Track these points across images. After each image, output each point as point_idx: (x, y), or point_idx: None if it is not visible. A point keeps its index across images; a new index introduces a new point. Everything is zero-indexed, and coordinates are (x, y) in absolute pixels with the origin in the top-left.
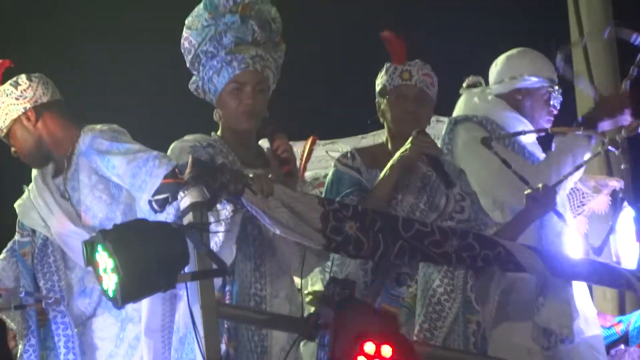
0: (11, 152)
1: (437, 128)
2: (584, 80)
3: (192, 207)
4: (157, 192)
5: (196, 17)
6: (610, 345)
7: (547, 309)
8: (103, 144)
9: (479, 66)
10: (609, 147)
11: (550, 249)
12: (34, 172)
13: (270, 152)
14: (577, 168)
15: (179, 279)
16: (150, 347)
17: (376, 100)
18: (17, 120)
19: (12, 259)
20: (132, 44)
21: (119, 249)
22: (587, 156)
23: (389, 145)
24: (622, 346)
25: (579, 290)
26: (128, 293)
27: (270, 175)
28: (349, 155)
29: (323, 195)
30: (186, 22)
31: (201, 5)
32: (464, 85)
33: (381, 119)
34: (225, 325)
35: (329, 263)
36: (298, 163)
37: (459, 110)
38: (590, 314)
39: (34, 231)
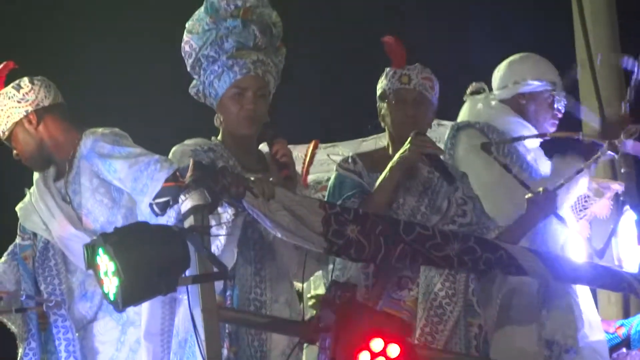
0: (13, 155)
1: (439, 132)
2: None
3: (193, 210)
4: (158, 196)
5: (197, 21)
6: (612, 349)
7: (551, 321)
8: (105, 147)
9: (482, 70)
10: (609, 152)
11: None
12: (36, 175)
13: (269, 156)
14: (577, 172)
15: (180, 282)
16: (150, 350)
17: (377, 104)
18: (18, 123)
19: (13, 262)
20: (133, 46)
21: (120, 252)
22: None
23: (390, 150)
24: (624, 350)
25: (583, 295)
26: (129, 296)
27: (271, 179)
28: (350, 159)
29: (325, 199)
30: (187, 25)
31: (202, 8)
32: (468, 92)
33: (382, 123)
34: (227, 330)
35: (331, 267)
36: (300, 167)
37: (462, 116)
38: (593, 318)
39: (35, 234)
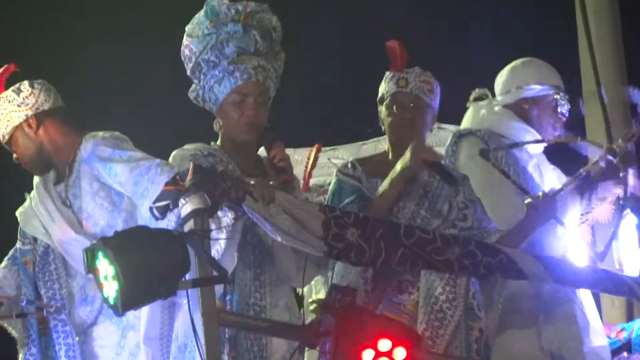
0: (13, 159)
1: (439, 135)
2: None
3: (193, 214)
4: (158, 199)
5: (197, 25)
6: (614, 353)
7: (550, 329)
8: (105, 151)
9: (483, 73)
10: (608, 156)
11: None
12: (36, 179)
13: (267, 161)
14: (577, 177)
15: (180, 286)
16: (149, 355)
17: (378, 108)
18: (18, 127)
19: (14, 267)
20: (133, 46)
21: (120, 256)
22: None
23: (390, 154)
24: (625, 354)
25: (587, 301)
26: (129, 300)
27: (271, 182)
28: (349, 165)
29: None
30: (186, 29)
31: (202, 12)
32: (471, 98)
33: (382, 127)
34: (227, 335)
35: (331, 274)
36: (303, 170)
37: (466, 123)
38: (596, 324)
39: (35, 239)
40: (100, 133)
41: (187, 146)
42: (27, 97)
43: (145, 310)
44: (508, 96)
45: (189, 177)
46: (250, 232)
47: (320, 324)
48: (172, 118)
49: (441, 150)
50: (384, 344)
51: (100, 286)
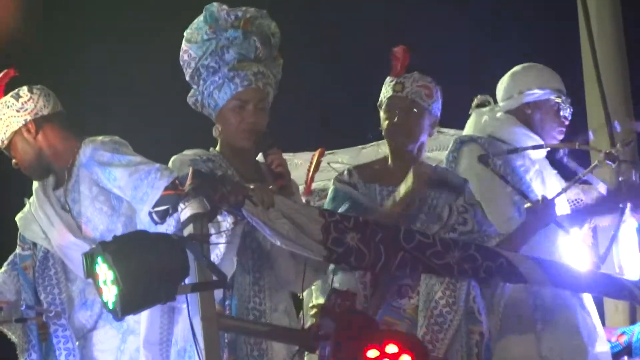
0: (12, 164)
1: (439, 140)
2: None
3: (192, 218)
4: (157, 204)
5: (196, 30)
6: (614, 357)
7: (550, 338)
8: (104, 155)
9: (484, 77)
10: (607, 161)
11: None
12: (35, 184)
13: (265, 166)
14: (575, 182)
15: (179, 291)
16: (149, 359)
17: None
18: (17, 132)
19: (13, 272)
20: (133, 46)
21: (119, 261)
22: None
23: (390, 159)
24: (626, 358)
25: (589, 307)
26: (128, 305)
27: (270, 187)
28: (345, 172)
29: None
30: (185, 34)
31: (201, 17)
32: (473, 105)
33: (383, 132)
34: (226, 340)
35: (331, 277)
36: (305, 174)
37: (468, 130)
38: (599, 330)
39: (35, 244)
40: (100, 138)
41: (186, 151)
42: (26, 102)
43: (145, 314)
44: (510, 102)
45: (188, 182)
46: (249, 236)
47: (320, 328)
48: (172, 119)
49: (441, 155)
50: (386, 349)
51: (99, 291)
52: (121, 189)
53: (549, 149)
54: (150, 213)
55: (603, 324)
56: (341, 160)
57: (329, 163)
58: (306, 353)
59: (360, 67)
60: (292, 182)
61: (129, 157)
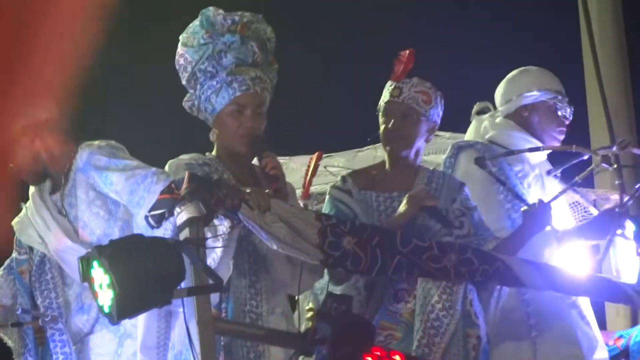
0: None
1: (436, 143)
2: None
3: (188, 222)
4: (153, 208)
5: (192, 34)
6: None
7: (552, 351)
8: (101, 160)
9: (483, 80)
10: (603, 164)
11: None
12: (32, 189)
13: (260, 169)
14: (571, 185)
15: (175, 295)
16: None
17: None
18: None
19: (10, 277)
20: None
21: (115, 265)
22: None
23: (387, 164)
24: None
25: (589, 316)
26: (124, 309)
27: (267, 191)
28: (340, 179)
29: None
30: (181, 38)
31: (197, 22)
32: (474, 112)
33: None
34: (222, 343)
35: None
36: (302, 178)
37: (469, 136)
38: (597, 337)
39: (31, 249)
40: (96, 142)
41: (182, 156)
42: None
43: (142, 319)
44: (507, 106)
45: (184, 186)
46: (245, 240)
47: (316, 332)
48: (171, 119)
49: (438, 159)
50: (381, 353)
51: (95, 294)
52: (118, 193)
53: (548, 151)
54: (146, 217)
55: (604, 328)
56: (337, 163)
57: (325, 167)
58: (303, 357)
59: (357, 69)
60: (288, 184)
61: (125, 162)
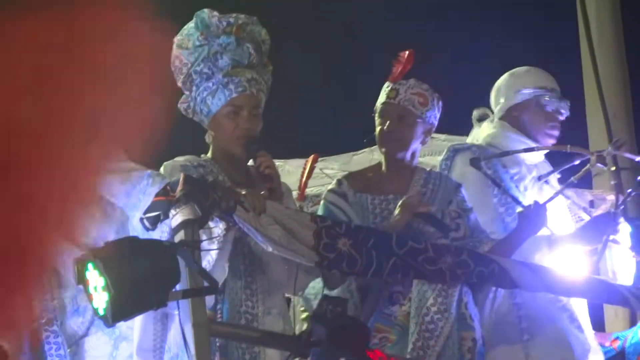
0: None
1: (431, 145)
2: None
3: (183, 224)
4: (148, 210)
5: (187, 36)
6: None
7: (539, 352)
8: None
9: (480, 81)
10: (598, 164)
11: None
12: None
13: (254, 169)
14: (567, 186)
15: (170, 297)
16: None
17: None
18: None
19: None
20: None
21: (110, 267)
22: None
23: (383, 166)
24: None
25: (581, 319)
26: (119, 311)
27: (262, 192)
28: (336, 181)
29: None
30: (175, 40)
31: (191, 24)
32: (474, 118)
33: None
34: (217, 344)
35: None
36: (297, 181)
37: (470, 142)
38: (591, 341)
39: None
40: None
41: (178, 158)
42: None
43: (138, 321)
44: (500, 108)
45: (179, 188)
46: (240, 241)
47: (312, 335)
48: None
49: (433, 160)
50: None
51: (89, 297)
52: (113, 195)
53: (544, 151)
54: (141, 219)
55: (603, 330)
56: (332, 167)
57: (321, 169)
58: (298, 359)
59: (354, 71)
60: (284, 185)
61: (121, 164)
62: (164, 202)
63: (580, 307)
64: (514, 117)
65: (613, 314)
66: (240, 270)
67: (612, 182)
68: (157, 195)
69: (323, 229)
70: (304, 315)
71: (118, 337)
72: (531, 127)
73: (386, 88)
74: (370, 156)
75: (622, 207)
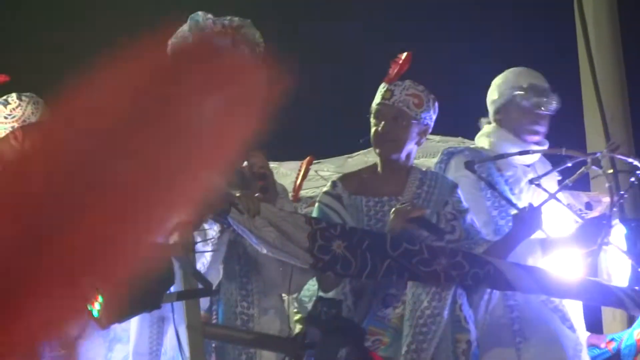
0: None
1: (426, 146)
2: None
3: (178, 226)
4: None
5: (181, 39)
6: None
7: (533, 355)
8: None
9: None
10: (593, 167)
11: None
12: None
13: (247, 168)
14: (562, 189)
15: (165, 299)
16: None
17: None
18: (4, 139)
19: None
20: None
21: None
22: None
23: (379, 167)
24: None
25: (573, 319)
26: (113, 314)
27: (257, 194)
28: (331, 183)
29: None
30: (170, 43)
31: (185, 27)
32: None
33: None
34: (213, 345)
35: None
36: (292, 183)
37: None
38: (582, 341)
39: None
40: None
41: None
42: (14, 109)
43: (134, 325)
44: (490, 114)
45: None
46: (235, 242)
47: (306, 337)
48: None
49: (428, 162)
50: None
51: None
52: None
53: (525, 155)
54: None
55: (601, 332)
56: (327, 168)
57: (316, 171)
58: None
59: (350, 73)
60: (279, 185)
61: None
62: None
63: (573, 306)
64: (500, 121)
65: (611, 316)
66: (235, 270)
67: (607, 185)
68: None
69: (318, 231)
70: (297, 317)
71: (113, 339)
72: (514, 126)
73: (382, 89)
74: (365, 158)
75: (614, 209)
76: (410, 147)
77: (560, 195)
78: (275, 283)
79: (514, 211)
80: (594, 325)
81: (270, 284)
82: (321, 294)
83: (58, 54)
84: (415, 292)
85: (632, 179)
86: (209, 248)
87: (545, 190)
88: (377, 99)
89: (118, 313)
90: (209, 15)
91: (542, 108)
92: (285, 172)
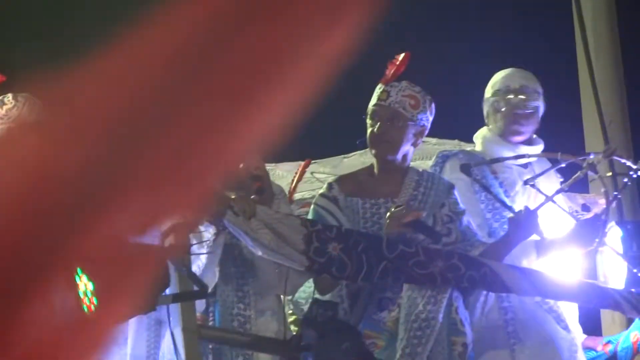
0: None
1: (422, 149)
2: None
3: (173, 228)
4: None
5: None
6: None
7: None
8: None
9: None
10: (589, 171)
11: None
12: None
13: (243, 169)
14: (558, 192)
15: (160, 302)
16: None
17: None
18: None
19: None
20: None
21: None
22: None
23: (375, 168)
24: None
25: (568, 320)
26: (109, 315)
27: (252, 197)
28: (326, 185)
29: None
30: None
31: None
32: None
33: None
34: (210, 346)
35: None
36: (288, 184)
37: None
38: (578, 342)
39: None
40: None
41: None
42: (10, 109)
43: (131, 328)
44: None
45: None
46: (230, 244)
47: (302, 339)
48: None
49: (424, 164)
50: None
51: (80, 301)
52: None
53: (521, 159)
54: None
55: (600, 335)
56: (322, 170)
57: (312, 173)
58: None
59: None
60: (277, 186)
61: None
62: None
63: (568, 306)
64: (488, 124)
65: (610, 318)
66: (231, 272)
67: (603, 190)
68: None
69: (313, 233)
70: (292, 318)
71: None
72: (500, 130)
73: (378, 90)
74: (361, 159)
75: (609, 212)
76: (407, 148)
77: (557, 197)
78: (271, 284)
79: (509, 214)
80: (593, 327)
81: (267, 286)
82: (317, 295)
83: (57, 49)
84: (410, 295)
85: (625, 180)
86: (205, 250)
87: (540, 191)
88: (374, 99)
89: (114, 315)
90: None
91: (518, 108)
92: (281, 174)
